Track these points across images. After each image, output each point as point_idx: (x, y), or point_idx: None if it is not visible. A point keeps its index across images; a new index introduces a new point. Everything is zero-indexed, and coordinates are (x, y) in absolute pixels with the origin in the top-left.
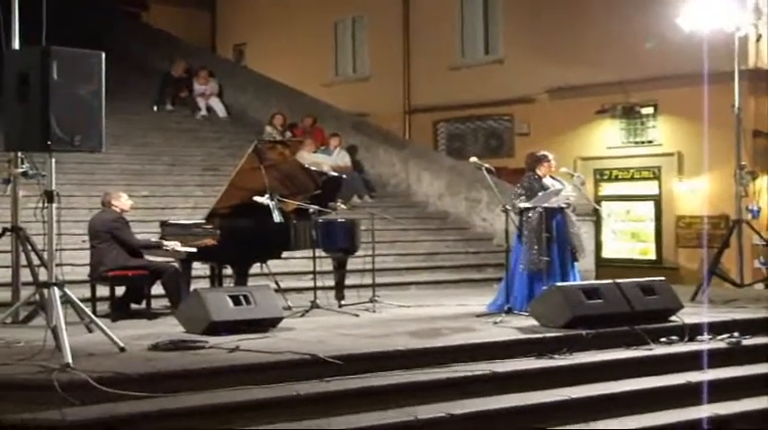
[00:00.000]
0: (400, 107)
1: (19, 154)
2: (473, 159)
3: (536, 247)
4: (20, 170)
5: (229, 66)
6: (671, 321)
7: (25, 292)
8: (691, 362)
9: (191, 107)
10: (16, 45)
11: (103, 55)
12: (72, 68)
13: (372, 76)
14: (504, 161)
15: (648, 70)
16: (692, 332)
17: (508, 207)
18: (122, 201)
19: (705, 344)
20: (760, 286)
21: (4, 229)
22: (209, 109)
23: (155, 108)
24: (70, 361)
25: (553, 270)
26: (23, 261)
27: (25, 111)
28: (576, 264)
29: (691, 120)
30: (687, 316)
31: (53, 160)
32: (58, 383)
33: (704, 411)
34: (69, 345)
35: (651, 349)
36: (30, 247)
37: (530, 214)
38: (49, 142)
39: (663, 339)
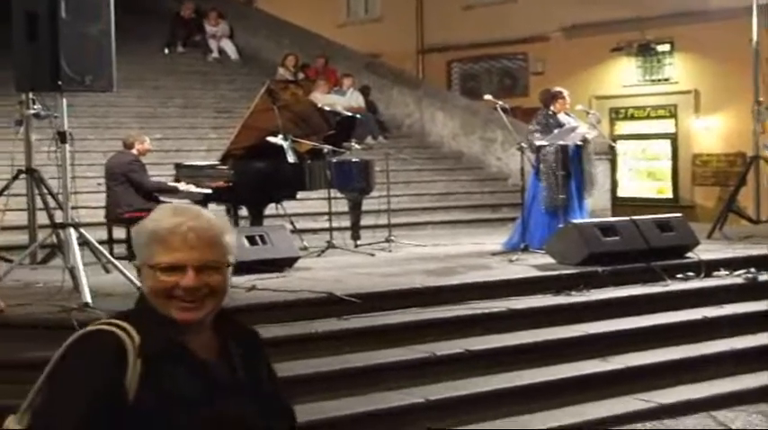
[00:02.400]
0: (413, 47)
1: (30, 95)
2: (488, 97)
3: (554, 185)
4: (32, 111)
5: (240, 7)
6: (687, 258)
7: (42, 235)
8: (707, 297)
9: (202, 49)
10: None
11: None
12: (80, 7)
13: (385, 17)
14: (519, 100)
15: (665, 7)
16: (708, 268)
17: (524, 145)
18: (145, 145)
19: (722, 280)
20: None
21: (19, 171)
22: (221, 51)
23: (165, 50)
24: (89, 300)
25: (572, 207)
26: (39, 203)
27: (35, 51)
28: (584, 202)
29: (707, 57)
30: (703, 252)
31: (64, 100)
32: (77, 322)
33: (721, 346)
34: (87, 286)
35: (667, 285)
36: (45, 189)
37: (546, 151)
38: (59, 82)
39: (679, 275)
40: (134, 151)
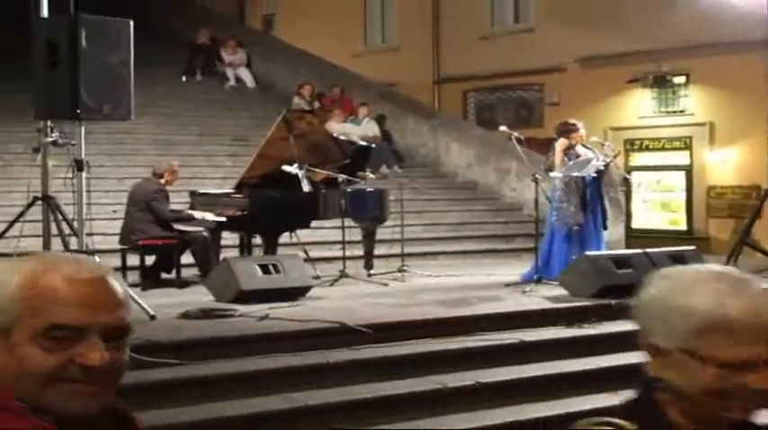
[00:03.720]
0: (430, 77)
1: (48, 123)
2: (502, 128)
3: (569, 213)
4: (49, 139)
5: (258, 36)
6: None
7: None
8: None
9: (219, 77)
10: (45, 13)
11: (132, 23)
12: (101, 37)
13: (401, 46)
14: (534, 131)
15: (681, 39)
16: None
17: (538, 176)
18: (174, 177)
19: None
20: None
21: (35, 198)
22: (238, 79)
23: (183, 78)
24: None
25: (589, 238)
26: (54, 230)
27: (55, 79)
28: (602, 234)
29: (723, 90)
30: None
31: (82, 129)
32: None
33: None
34: None
35: None
36: (60, 216)
37: (560, 181)
38: (78, 111)
39: None
40: (162, 181)
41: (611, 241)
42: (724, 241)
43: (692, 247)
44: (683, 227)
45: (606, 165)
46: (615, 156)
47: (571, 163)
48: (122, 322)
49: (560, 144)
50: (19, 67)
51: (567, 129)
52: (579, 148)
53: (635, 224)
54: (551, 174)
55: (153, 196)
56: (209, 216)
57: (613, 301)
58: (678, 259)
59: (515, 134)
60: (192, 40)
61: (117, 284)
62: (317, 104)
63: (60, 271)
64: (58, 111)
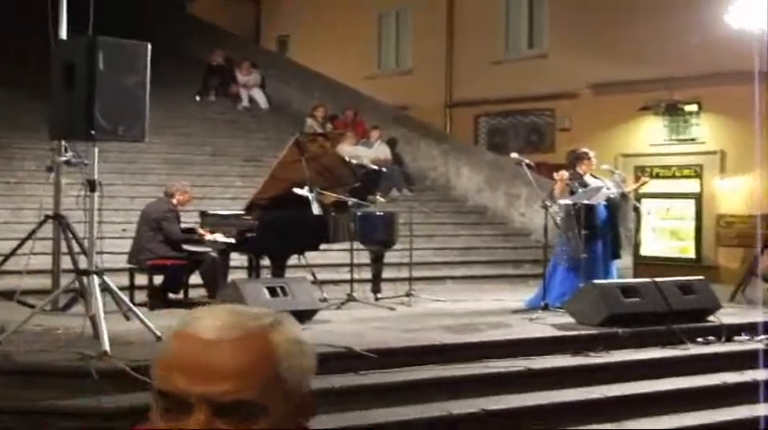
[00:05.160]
0: (442, 101)
1: (62, 142)
2: (513, 155)
3: (576, 242)
4: (63, 158)
5: (272, 57)
6: (708, 321)
7: (65, 280)
8: (728, 362)
9: (233, 98)
10: (64, 35)
11: (149, 46)
12: (118, 59)
13: (415, 70)
14: (545, 156)
15: (693, 67)
16: (729, 332)
17: (548, 203)
18: (185, 197)
19: (743, 345)
20: None
21: (46, 217)
22: (252, 100)
23: (197, 98)
24: (108, 349)
25: (596, 267)
26: (64, 248)
27: (71, 100)
28: (613, 263)
29: (735, 119)
30: (725, 316)
31: (96, 149)
32: (95, 371)
33: (741, 412)
34: (107, 333)
35: (688, 349)
36: (71, 235)
37: (569, 209)
38: (92, 131)
39: (700, 339)
40: (174, 200)
41: (620, 268)
42: (733, 270)
43: (700, 277)
44: (691, 255)
45: (624, 195)
46: (643, 185)
47: (581, 191)
48: (228, 396)
49: (560, 180)
50: (34, 86)
51: (577, 157)
52: (587, 178)
53: (643, 252)
54: (561, 201)
55: (164, 216)
56: (220, 237)
57: (620, 330)
58: (686, 289)
59: (526, 161)
60: (207, 61)
61: (243, 350)
62: (329, 126)
63: (186, 329)
64: (72, 132)
